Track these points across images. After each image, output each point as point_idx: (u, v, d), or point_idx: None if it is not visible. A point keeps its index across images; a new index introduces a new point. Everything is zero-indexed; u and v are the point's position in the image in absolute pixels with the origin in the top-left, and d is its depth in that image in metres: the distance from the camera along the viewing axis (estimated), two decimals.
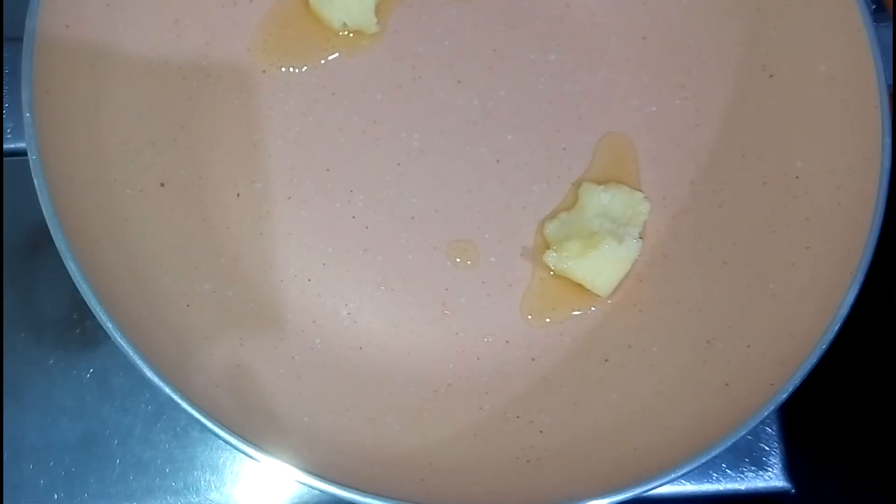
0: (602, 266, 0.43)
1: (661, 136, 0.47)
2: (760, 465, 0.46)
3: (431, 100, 0.47)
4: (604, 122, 0.47)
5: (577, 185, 0.46)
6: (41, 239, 0.45)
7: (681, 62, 0.47)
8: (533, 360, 0.44)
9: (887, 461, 0.46)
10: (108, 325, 0.34)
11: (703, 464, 0.35)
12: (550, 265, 0.44)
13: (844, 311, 0.37)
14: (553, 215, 0.45)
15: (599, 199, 0.44)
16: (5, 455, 0.44)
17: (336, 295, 0.44)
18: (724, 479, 0.46)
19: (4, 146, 0.40)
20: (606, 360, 0.43)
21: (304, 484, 0.34)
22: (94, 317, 0.34)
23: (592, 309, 0.45)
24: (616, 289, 0.44)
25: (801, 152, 0.42)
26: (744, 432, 0.35)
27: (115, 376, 0.45)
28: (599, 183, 0.45)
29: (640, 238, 0.44)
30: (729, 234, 0.43)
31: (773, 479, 0.46)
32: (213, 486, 0.45)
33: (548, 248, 0.44)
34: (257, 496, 0.45)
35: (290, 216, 0.45)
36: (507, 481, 0.39)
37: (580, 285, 0.44)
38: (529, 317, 0.45)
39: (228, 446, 0.34)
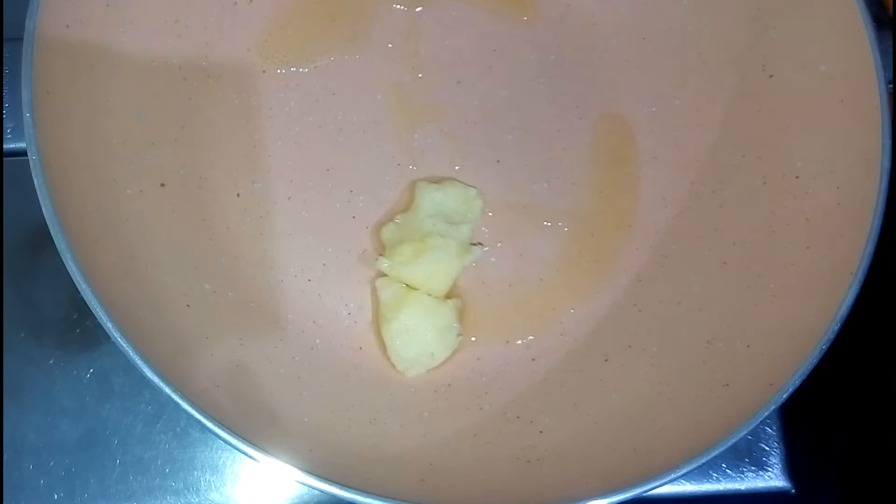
0: (434, 270, 0.43)
1: (661, 136, 0.47)
2: (760, 465, 0.46)
3: (431, 100, 0.47)
4: (603, 123, 0.47)
5: (413, 182, 0.45)
6: (41, 239, 0.45)
7: (681, 62, 0.47)
8: (533, 360, 0.44)
9: (887, 461, 0.46)
10: (108, 325, 0.34)
11: (703, 464, 0.35)
12: (385, 271, 0.43)
13: (844, 311, 0.37)
14: (390, 218, 0.45)
15: (433, 198, 0.44)
16: (5, 455, 0.44)
17: (336, 295, 0.44)
18: (724, 479, 0.46)
19: (4, 146, 0.41)
20: (606, 360, 0.43)
21: (304, 484, 0.34)
22: (94, 317, 0.34)
23: (571, 311, 0.45)
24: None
25: (800, 152, 0.42)
26: (744, 432, 0.35)
27: (115, 376, 0.45)
28: (435, 181, 0.45)
29: (480, 244, 0.44)
30: (729, 234, 0.43)
31: (773, 479, 0.46)
32: (213, 487, 0.45)
33: (381, 255, 0.44)
34: (257, 496, 0.45)
35: (290, 216, 0.45)
36: (507, 481, 0.39)
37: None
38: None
39: (228, 446, 0.34)
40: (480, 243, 0.45)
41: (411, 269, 0.43)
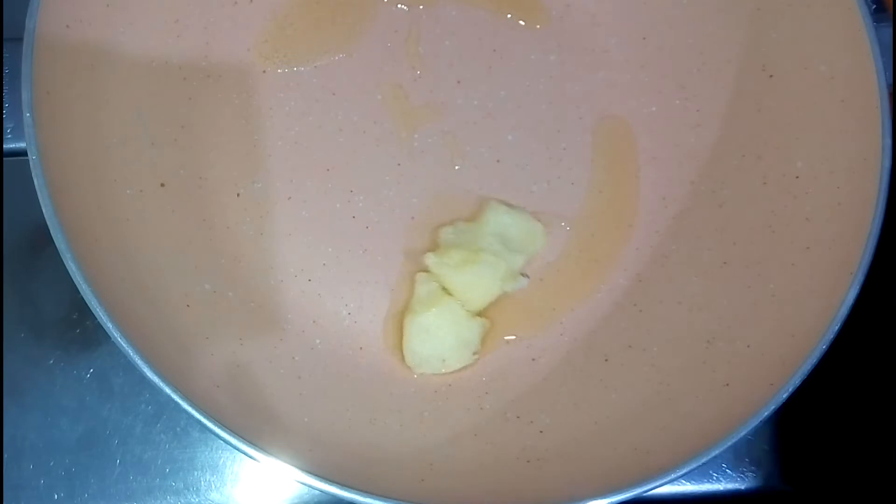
0: (475, 283, 0.43)
1: (661, 136, 0.47)
2: (760, 465, 0.46)
3: (431, 100, 0.47)
4: (603, 123, 0.47)
5: (485, 199, 0.46)
6: (41, 239, 0.45)
7: (681, 62, 0.47)
8: (533, 360, 0.44)
9: (887, 461, 0.46)
10: (108, 325, 0.34)
11: (703, 464, 0.35)
12: (428, 265, 0.44)
13: (844, 311, 0.37)
14: (452, 222, 0.45)
15: (500, 220, 0.44)
16: (5, 455, 0.44)
17: (336, 295, 0.44)
18: (724, 479, 0.46)
19: (4, 146, 0.40)
20: (606, 360, 0.43)
21: (305, 484, 0.34)
22: (95, 317, 0.34)
23: (571, 311, 0.45)
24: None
25: (801, 152, 0.42)
26: (744, 432, 0.35)
27: (115, 376, 0.45)
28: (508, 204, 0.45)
29: (526, 276, 0.44)
30: (729, 234, 0.43)
31: (772, 479, 0.46)
32: (213, 487, 0.45)
33: (432, 251, 0.44)
34: (257, 496, 0.45)
35: (290, 216, 0.45)
36: (507, 481, 0.39)
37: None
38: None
39: (228, 446, 0.34)
40: (527, 275, 0.44)
41: (454, 274, 0.43)
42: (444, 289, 0.44)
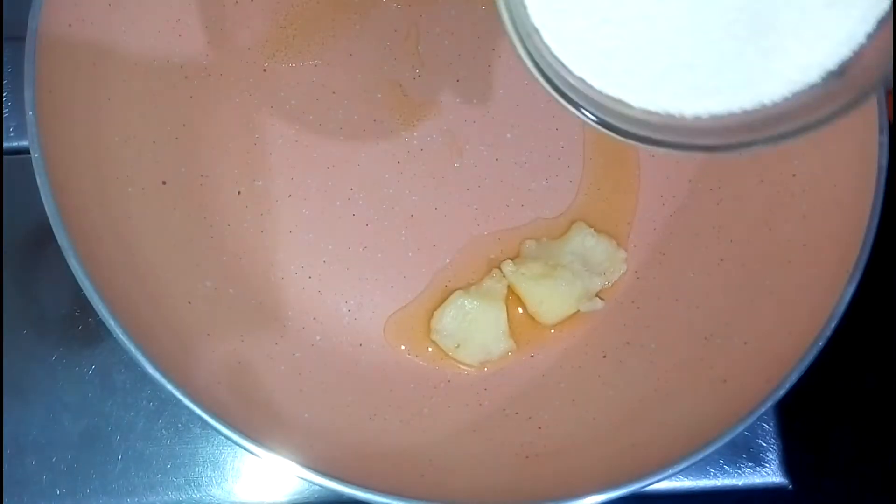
0: (550, 296, 0.43)
1: None
2: (758, 461, 0.46)
3: (431, 98, 0.47)
4: None
5: (573, 219, 0.46)
6: (43, 236, 0.45)
7: None
8: (532, 356, 0.44)
9: (885, 457, 0.46)
10: (110, 322, 0.34)
11: (700, 460, 0.35)
12: (505, 273, 0.44)
13: (841, 308, 0.37)
14: (538, 237, 0.46)
15: (584, 241, 0.45)
16: (8, 451, 0.44)
17: (336, 292, 0.44)
18: (721, 474, 0.46)
19: (7, 144, 0.41)
20: (604, 357, 0.43)
21: (305, 479, 0.34)
22: (97, 314, 0.34)
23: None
24: (562, 321, 0.44)
25: (798, 150, 0.42)
26: (741, 428, 0.35)
27: (116, 373, 0.45)
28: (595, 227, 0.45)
29: (601, 298, 0.45)
30: (726, 231, 0.44)
31: (770, 474, 0.46)
32: (214, 482, 0.45)
33: (512, 259, 0.45)
34: (258, 492, 0.45)
35: (290, 214, 0.45)
36: (506, 477, 0.39)
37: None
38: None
39: (230, 442, 0.34)
40: (602, 299, 0.45)
41: (530, 286, 0.43)
42: (517, 296, 0.44)
